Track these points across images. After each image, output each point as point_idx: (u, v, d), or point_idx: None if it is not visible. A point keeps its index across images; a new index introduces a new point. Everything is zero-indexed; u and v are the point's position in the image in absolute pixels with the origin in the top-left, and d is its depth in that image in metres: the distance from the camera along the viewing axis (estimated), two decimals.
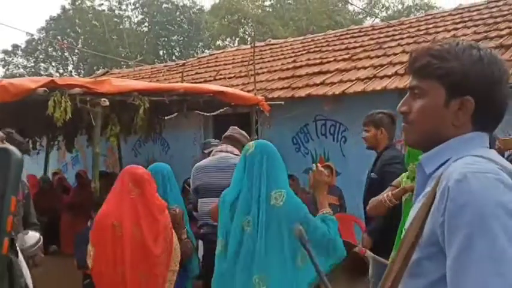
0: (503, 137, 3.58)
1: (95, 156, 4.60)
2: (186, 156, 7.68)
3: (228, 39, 24.76)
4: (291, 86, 6.78)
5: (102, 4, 27.39)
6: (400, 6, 24.36)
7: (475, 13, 7.59)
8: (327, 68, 6.97)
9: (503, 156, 2.24)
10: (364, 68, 6.50)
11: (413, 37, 7.12)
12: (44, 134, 7.33)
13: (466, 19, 7.38)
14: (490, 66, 1.16)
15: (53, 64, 29.00)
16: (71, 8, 27.33)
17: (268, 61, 8.83)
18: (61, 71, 28.53)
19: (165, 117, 6.10)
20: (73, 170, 9.33)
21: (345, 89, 5.95)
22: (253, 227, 2.48)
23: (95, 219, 3.20)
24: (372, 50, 7.24)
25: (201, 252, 4.09)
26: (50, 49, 28.40)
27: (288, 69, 7.72)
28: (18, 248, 3.07)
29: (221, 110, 5.94)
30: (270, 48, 10.01)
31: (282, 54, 9.06)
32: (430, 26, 7.71)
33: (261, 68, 8.12)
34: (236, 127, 4.21)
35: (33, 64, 28.55)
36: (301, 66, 7.58)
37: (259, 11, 24.03)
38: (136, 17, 28.51)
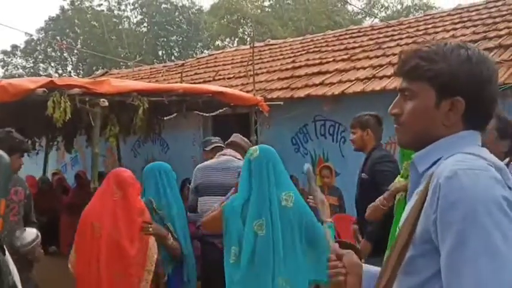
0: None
1: (94, 156, 4.60)
2: (185, 156, 7.69)
3: (227, 39, 24.77)
4: (290, 86, 6.78)
5: (101, 4, 27.41)
6: (399, 7, 24.38)
7: (473, 13, 7.59)
8: (326, 68, 6.97)
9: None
10: (364, 68, 6.50)
11: (412, 37, 7.13)
12: (43, 134, 7.33)
13: (465, 19, 7.39)
14: (478, 66, 1.17)
15: (52, 64, 28.99)
16: (69, 9, 27.32)
17: (268, 61, 8.83)
18: (60, 71, 28.53)
19: (164, 118, 6.09)
20: (72, 171, 9.33)
21: (344, 89, 5.95)
22: (267, 230, 2.52)
23: (81, 217, 3.28)
24: (371, 50, 7.25)
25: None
26: (49, 49, 28.40)
27: (287, 69, 7.72)
28: (16, 245, 3.08)
29: (220, 110, 5.94)
30: (269, 49, 10.01)
31: (281, 55, 9.06)
32: (429, 26, 7.71)
33: (260, 69, 8.13)
34: (238, 134, 4.25)
35: (32, 64, 28.55)
36: (300, 67, 7.58)
37: (259, 11, 24.04)
38: (136, 17, 28.52)
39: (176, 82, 8.09)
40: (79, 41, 27.25)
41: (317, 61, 7.56)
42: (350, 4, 20.81)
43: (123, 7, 28.15)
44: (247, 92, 6.44)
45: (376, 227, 3.44)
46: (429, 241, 1.08)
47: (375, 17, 21.77)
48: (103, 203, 3.19)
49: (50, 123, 4.42)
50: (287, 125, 6.63)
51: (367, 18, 23.58)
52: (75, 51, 26.70)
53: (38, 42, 27.89)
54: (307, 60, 7.84)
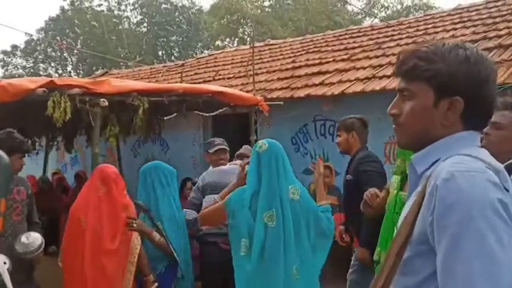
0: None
1: (94, 156, 4.60)
2: (185, 156, 7.69)
3: (227, 39, 24.77)
4: (290, 86, 6.78)
5: (101, 4, 27.41)
6: (399, 7, 24.38)
7: (473, 13, 7.59)
8: (326, 68, 6.97)
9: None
10: (363, 68, 6.50)
11: (412, 37, 7.13)
12: (43, 134, 7.33)
13: (465, 19, 7.39)
14: (476, 66, 1.17)
15: (52, 64, 29.00)
16: (69, 9, 27.33)
17: (268, 61, 8.83)
18: (60, 71, 28.54)
19: (164, 118, 6.10)
20: (72, 171, 9.33)
21: (344, 89, 5.95)
22: (278, 221, 2.59)
23: (69, 212, 3.38)
24: (371, 50, 7.25)
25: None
26: (49, 50, 28.41)
27: (287, 69, 7.72)
28: (19, 251, 3.08)
29: (220, 110, 5.94)
30: (269, 49, 10.01)
31: (281, 55, 9.06)
32: (429, 26, 7.71)
33: (260, 69, 8.13)
34: (248, 146, 4.31)
35: (32, 65, 28.56)
36: (300, 67, 7.58)
37: (259, 11, 24.04)
38: (135, 17, 28.53)
39: (176, 82, 8.10)
40: (79, 41, 27.26)
41: (317, 61, 7.56)
42: (350, 4, 20.83)
43: (123, 7, 28.17)
44: (247, 92, 6.44)
45: (368, 232, 3.45)
46: (426, 242, 1.08)
47: (375, 17, 21.78)
48: (88, 199, 3.29)
49: (50, 123, 4.42)
50: (287, 124, 6.64)
51: (367, 18, 23.59)
52: (75, 51, 26.72)
53: (38, 42, 27.90)
54: (307, 60, 7.84)
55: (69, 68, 29.05)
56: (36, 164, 8.23)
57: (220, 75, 8.82)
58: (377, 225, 3.25)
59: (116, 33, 26.28)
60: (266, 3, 24.84)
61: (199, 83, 8.40)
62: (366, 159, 3.65)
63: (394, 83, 5.63)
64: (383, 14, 23.78)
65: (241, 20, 23.54)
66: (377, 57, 6.81)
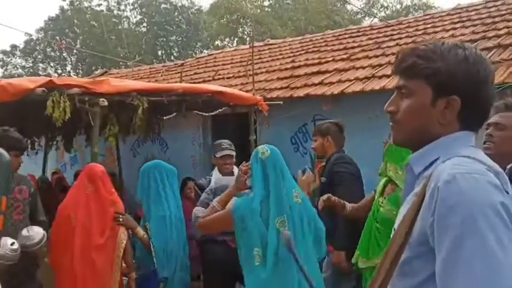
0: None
1: (94, 156, 4.60)
2: (184, 156, 7.69)
3: (227, 39, 24.77)
4: (289, 86, 6.78)
5: (101, 4, 27.40)
6: (398, 6, 24.39)
7: (473, 13, 7.59)
8: (326, 68, 6.97)
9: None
10: (363, 67, 6.50)
11: (411, 37, 7.13)
12: (42, 134, 7.32)
13: (464, 19, 7.39)
14: (475, 66, 1.17)
15: (52, 64, 29.00)
16: (69, 9, 27.31)
17: (267, 61, 8.83)
18: (59, 71, 28.54)
19: (164, 117, 6.09)
20: (71, 170, 9.32)
21: (344, 89, 5.95)
22: (289, 226, 2.62)
23: (58, 211, 3.50)
24: (370, 50, 7.24)
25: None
26: (48, 49, 28.40)
27: (286, 69, 7.72)
28: (22, 243, 3.09)
29: (220, 110, 5.94)
30: (269, 48, 10.01)
31: (281, 54, 9.06)
32: (429, 25, 7.71)
33: (259, 68, 8.12)
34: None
35: (31, 64, 28.55)
36: (299, 66, 7.58)
37: (258, 10, 24.03)
38: (135, 17, 28.52)
39: (176, 82, 8.09)
40: (78, 40, 27.25)
41: (316, 61, 7.56)
42: (349, 4, 20.83)
43: (122, 7, 28.16)
44: (247, 91, 6.44)
45: (341, 235, 3.47)
46: (425, 243, 1.08)
47: (375, 17, 21.79)
48: (77, 197, 3.44)
49: (50, 123, 4.42)
50: (286, 124, 6.63)
51: (367, 18, 23.59)
52: (75, 51, 26.71)
53: (37, 42, 27.89)
54: (307, 59, 7.84)
55: (68, 68, 29.05)
56: (35, 164, 8.22)
57: (219, 75, 8.81)
58: (353, 228, 3.27)
59: (116, 33, 26.28)
60: (266, 3, 24.85)
61: (198, 82, 8.39)
62: (339, 161, 3.70)
63: (394, 83, 5.62)
64: (382, 13, 23.79)
65: (241, 20, 23.54)
66: (376, 56, 6.81)
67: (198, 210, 3.93)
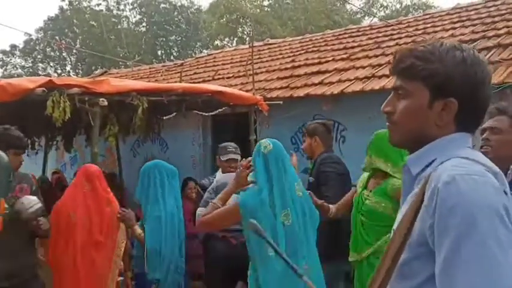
0: None
1: (94, 156, 4.60)
2: (184, 156, 7.68)
3: (227, 39, 24.77)
4: (289, 85, 6.78)
5: (100, 4, 27.40)
6: (398, 6, 24.40)
7: (472, 12, 7.59)
8: (326, 68, 6.97)
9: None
10: (363, 67, 6.50)
11: (411, 36, 7.13)
12: (42, 134, 7.31)
13: (464, 18, 7.39)
14: (473, 68, 1.17)
15: (51, 64, 28.99)
16: (68, 9, 27.30)
17: (267, 61, 8.83)
18: (59, 71, 28.53)
19: (164, 117, 6.09)
20: (71, 170, 9.32)
21: (344, 89, 5.95)
22: (293, 219, 2.64)
23: (53, 209, 3.55)
24: (370, 50, 7.24)
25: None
26: (48, 49, 28.39)
27: (286, 68, 7.72)
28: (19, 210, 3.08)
29: (220, 109, 5.93)
30: (269, 48, 10.01)
31: (281, 54, 9.06)
32: (428, 25, 7.71)
33: (259, 68, 8.12)
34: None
35: (31, 64, 28.54)
36: (299, 66, 7.58)
37: (258, 10, 24.03)
38: (134, 17, 28.52)
39: (175, 82, 8.09)
40: (78, 40, 27.25)
41: (316, 60, 7.56)
42: (349, 3, 20.82)
43: (121, 7, 28.16)
44: (247, 91, 6.44)
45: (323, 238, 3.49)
46: (425, 244, 1.08)
47: (374, 17, 21.79)
48: (76, 195, 3.54)
49: (50, 123, 4.42)
50: (286, 124, 6.63)
51: (366, 17, 23.60)
52: (74, 51, 26.70)
53: (37, 42, 27.88)
54: (307, 59, 7.84)
55: (68, 68, 29.05)
56: (35, 164, 8.22)
57: (219, 74, 8.81)
58: (327, 229, 3.28)
59: (115, 33, 26.27)
60: (265, 3, 24.85)
61: (198, 82, 8.39)
62: (327, 161, 3.73)
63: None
64: (382, 13, 23.79)
65: (241, 20, 23.54)
66: (376, 56, 6.81)
67: (201, 211, 3.93)
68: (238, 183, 2.90)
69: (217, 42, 24.78)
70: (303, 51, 8.63)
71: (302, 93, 6.33)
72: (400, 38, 7.42)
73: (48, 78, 4.52)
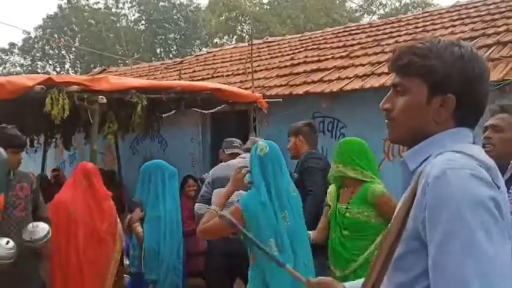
0: None
1: (93, 153, 4.59)
2: (183, 153, 7.68)
3: (226, 37, 24.76)
4: (288, 83, 6.77)
5: (99, 2, 27.36)
6: (397, 4, 24.40)
7: (472, 10, 7.59)
8: (325, 66, 6.96)
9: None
10: (362, 65, 6.49)
11: (410, 34, 7.12)
12: (41, 131, 7.31)
13: (464, 16, 7.38)
14: (471, 63, 1.18)
15: (50, 62, 28.97)
16: (67, 7, 27.27)
17: (266, 59, 8.82)
18: (58, 69, 28.51)
19: (163, 115, 6.08)
20: (70, 168, 9.30)
21: (343, 86, 5.94)
22: (291, 220, 2.68)
23: (51, 205, 3.64)
24: (369, 47, 7.24)
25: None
26: (46, 47, 28.37)
27: (285, 66, 7.71)
28: (25, 239, 3.10)
29: (219, 107, 5.93)
30: (268, 46, 10.00)
31: (280, 52, 9.05)
32: (428, 23, 7.70)
33: (258, 66, 8.11)
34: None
35: (30, 62, 28.52)
36: (299, 64, 7.57)
37: (257, 8, 24.02)
38: (133, 15, 28.51)
39: (175, 79, 8.08)
40: (77, 38, 27.24)
41: (315, 58, 7.55)
42: (348, 1, 20.81)
43: (120, 5, 28.13)
44: (246, 89, 6.43)
45: None
46: (418, 238, 1.09)
47: (374, 14, 21.79)
48: (74, 191, 3.65)
49: (48, 121, 4.41)
50: (286, 121, 6.60)
51: (366, 15, 23.59)
52: (73, 49, 26.67)
53: (35, 40, 27.84)
54: (306, 57, 7.83)
55: (67, 66, 29.04)
56: (34, 162, 8.21)
57: (218, 72, 8.80)
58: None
59: (114, 31, 26.25)
60: (264, 1, 24.85)
61: (197, 80, 8.38)
62: (310, 157, 3.82)
63: None
64: (381, 11, 23.79)
65: (240, 18, 23.53)
66: (376, 54, 6.81)
67: (199, 208, 3.93)
68: (235, 186, 2.89)
69: (216, 40, 24.77)
70: (302, 49, 8.62)
71: (301, 90, 6.32)
72: (399, 35, 7.41)
73: (47, 76, 4.51)
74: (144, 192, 3.75)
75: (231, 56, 10.08)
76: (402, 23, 8.19)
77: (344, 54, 7.30)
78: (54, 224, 3.42)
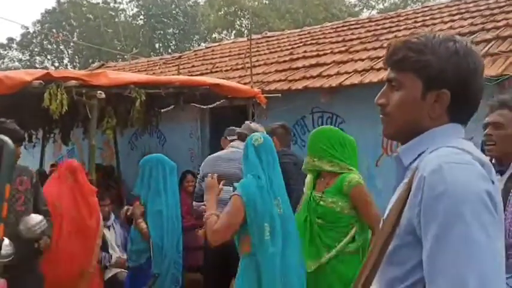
0: None
1: (92, 149, 4.58)
2: (182, 148, 7.68)
3: (224, 32, 24.70)
4: (287, 78, 6.76)
5: None
6: None
7: (471, 5, 7.58)
8: (324, 60, 6.95)
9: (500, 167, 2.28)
10: (361, 60, 6.49)
11: (410, 29, 7.11)
12: (39, 126, 7.28)
13: (463, 11, 7.37)
14: (465, 58, 1.18)
15: (48, 57, 28.91)
16: (65, 1, 27.18)
17: (265, 54, 8.80)
18: (56, 64, 28.46)
19: (162, 110, 6.07)
20: None
21: (342, 81, 5.94)
22: (283, 208, 2.78)
23: None
24: (368, 42, 7.23)
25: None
26: (45, 42, 28.30)
27: (284, 61, 7.70)
28: (22, 231, 3.11)
29: (218, 102, 5.92)
30: (267, 41, 9.98)
31: (279, 47, 9.03)
32: (427, 17, 7.69)
33: (257, 61, 8.10)
34: (249, 123, 4.38)
35: (28, 57, 28.46)
36: (298, 59, 7.56)
37: (256, 3, 23.95)
38: (132, 10, 28.43)
39: (173, 74, 8.06)
40: (75, 33, 27.17)
41: (314, 53, 7.54)
42: None
43: (119, 0, 28.02)
44: (245, 84, 6.42)
45: None
46: (413, 232, 1.10)
47: (373, 9, 21.75)
48: (59, 186, 3.74)
49: (47, 116, 4.40)
50: (285, 117, 6.60)
51: (365, 10, 23.54)
52: (71, 43, 26.60)
53: (34, 35, 27.77)
54: (305, 52, 7.81)
55: (65, 61, 28.97)
56: (32, 157, 8.19)
57: (217, 67, 8.79)
58: None
59: (112, 26, 26.17)
60: None
61: (196, 75, 8.36)
62: (282, 153, 3.85)
63: None
64: (381, 6, 23.74)
65: (239, 12, 23.47)
66: (375, 49, 6.79)
67: (196, 205, 3.93)
68: (212, 190, 2.91)
69: (215, 35, 24.71)
70: (301, 44, 8.60)
71: (300, 85, 6.31)
72: (398, 30, 7.40)
73: (46, 70, 4.49)
74: (144, 187, 3.75)
75: (229, 51, 10.06)
76: (401, 18, 8.17)
77: (343, 49, 7.29)
78: None
